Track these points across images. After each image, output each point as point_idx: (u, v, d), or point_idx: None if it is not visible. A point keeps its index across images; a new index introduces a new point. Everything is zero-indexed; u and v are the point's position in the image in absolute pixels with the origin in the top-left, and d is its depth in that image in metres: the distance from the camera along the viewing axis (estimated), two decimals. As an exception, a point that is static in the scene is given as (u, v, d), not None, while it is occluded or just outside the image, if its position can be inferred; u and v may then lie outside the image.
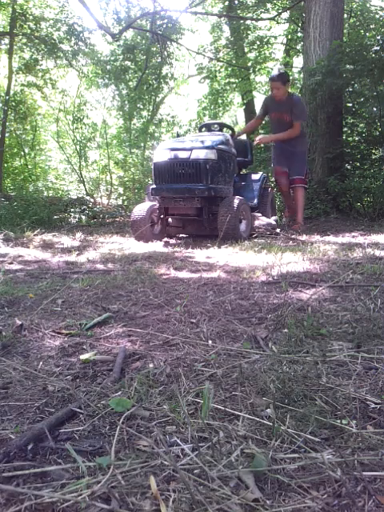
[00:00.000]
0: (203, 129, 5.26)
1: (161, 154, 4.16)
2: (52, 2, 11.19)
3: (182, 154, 4.06)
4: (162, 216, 4.40)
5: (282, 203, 7.51)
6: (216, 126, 5.17)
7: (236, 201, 4.01)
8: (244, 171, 5.54)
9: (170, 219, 4.61)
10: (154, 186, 4.23)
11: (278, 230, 4.69)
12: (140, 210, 4.24)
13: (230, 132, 5.00)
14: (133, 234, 4.29)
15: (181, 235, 4.78)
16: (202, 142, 4.19)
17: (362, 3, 9.63)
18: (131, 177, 10.35)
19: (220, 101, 13.17)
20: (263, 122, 6.24)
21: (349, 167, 6.88)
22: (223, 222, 3.83)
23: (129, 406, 0.81)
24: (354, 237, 4.20)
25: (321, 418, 0.76)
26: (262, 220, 4.65)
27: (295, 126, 4.83)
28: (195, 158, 3.98)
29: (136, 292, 1.88)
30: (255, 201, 4.87)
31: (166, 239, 4.54)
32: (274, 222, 4.79)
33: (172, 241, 4.48)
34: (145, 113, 12.72)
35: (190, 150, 4.04)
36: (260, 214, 4.77)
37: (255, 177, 5.17)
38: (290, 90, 4.94)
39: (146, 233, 4.17)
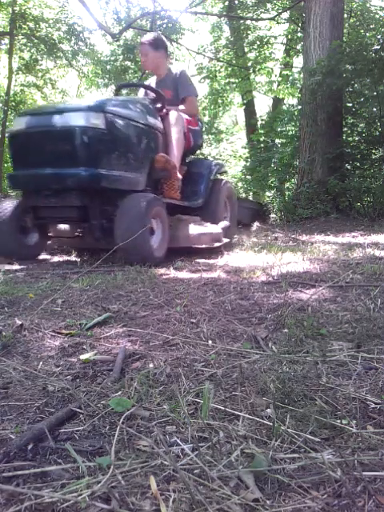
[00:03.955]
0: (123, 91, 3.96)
1: (19, 122, 2.74)
2: (52, 2, 11.20)
3: (47, 121, 2.59)
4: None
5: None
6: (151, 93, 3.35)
7: (144, 198, 2.66)
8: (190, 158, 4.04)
9: (61, 226, 3.11)
10: (11, 173, 2.94)
11: (220, 243, 3.21)
12: None
13: (159, 100, 3.28)
14: None
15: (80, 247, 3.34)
16: (83, 101, 2.93)
17: (362, 3, 9.63)
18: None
19: (220, 101, 13.17)
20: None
21: (349, 167, 6.88)
22: (120, 234, 2.50)
23: (129, 405, 0.81)
24: (354, 237, 4.20)
25: (321, 418, 0.76)
26: (198, 228, 3.12)
27: (189, 101, 3.58)
28: (66, 124, 2.54)
29: (136, 292, 1.88)
30: (200, 200, 3.45)
31: (46, 255, 3.25)
32: (218, 231, 3.24)
33: (57, 257, 3.18)
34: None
35: (60, 112, 2.60)
36: (199, 219, 3.33)
37: (202, 165, 3.73)
38: (169, 65, 3.74)
39: (10, 245, 2.79)
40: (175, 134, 3.25)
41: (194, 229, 3.11)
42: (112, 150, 2.70)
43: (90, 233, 2.86)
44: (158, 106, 3.25)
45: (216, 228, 3.28)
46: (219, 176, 4.10)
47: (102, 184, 2.61)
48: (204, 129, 13.37)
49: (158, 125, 3.16)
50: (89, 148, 2.56)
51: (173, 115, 3.27)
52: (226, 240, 3.40)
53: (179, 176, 3.22)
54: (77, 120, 2.55)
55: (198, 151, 4.46)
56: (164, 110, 3.30)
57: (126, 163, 2.79)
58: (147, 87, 3.53)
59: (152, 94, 3.37)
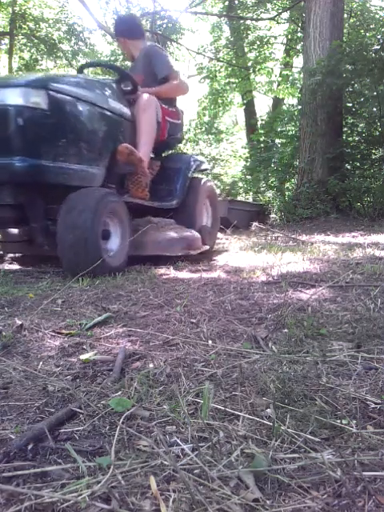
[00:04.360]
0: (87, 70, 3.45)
1: None
2: (52, 2, 11.20)
3: None
4: None
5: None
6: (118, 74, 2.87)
7: (94, 193, 2.25)
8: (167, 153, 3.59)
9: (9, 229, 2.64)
10: None
11: (196, 250, 2.82)
12: None
13: (129, 83, 2.83)
14: None
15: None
16: (23, 77, 2.51)
17: (362, 3, 9.64)
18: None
19: (220, 101, 13.19)
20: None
21: (349, 167, 6.89)
22: (64, 238, 2.13)
23: (129, 405, 0.81)
24: (354, 237, 4.20)
25: (321, 418, 0.76)
26: (170, 233, 2.69)
27: (172, 79, 3.08)
28: None
29: (136, 292, 1.88)
30: (175, 201, 3.03)
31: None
32: (194, 236, 2.84)
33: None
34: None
35: None
36: (172, 222, 2.91)
37: (179, 160, 3.26)
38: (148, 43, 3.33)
39: None
40: (144, 122, 2.79)
41: (166, 234, 2.63)
42: (58, 136, 2.23)
43: (31, 238, 2.38)
44: (128, 88, 2.81)
45: (192, 233, 2.84)
46: (200, 174, 3.74)
47: (45, 178, 2.17)
48: (204, 128, 13.41)
49: (124, 111, 2.72)
50: (26, 133, 2.11)
51: (143, 99, 2.81)
52: (205, 247, 2.97)
53: (147, 171, 2.77)
54: (11, 98, 2.09)
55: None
56: (137, 94, 2.83)
57: (77, 154, 2.32)
58: (111, 66, 3.25)
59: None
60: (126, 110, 2.75)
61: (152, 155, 3.22)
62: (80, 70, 3.28)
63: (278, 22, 10.86)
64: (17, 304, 1.68)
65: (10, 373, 1.00)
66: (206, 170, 3.85)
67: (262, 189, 8.33)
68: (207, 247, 3.07)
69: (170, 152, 3.73)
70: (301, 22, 9.02)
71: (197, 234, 2.89)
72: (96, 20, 8.93)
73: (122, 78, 2.82)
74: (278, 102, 13.12)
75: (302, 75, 8.45)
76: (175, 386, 0.90)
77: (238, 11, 10.80)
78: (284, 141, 8.27)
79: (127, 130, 2.75)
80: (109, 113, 2.57)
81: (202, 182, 3.35)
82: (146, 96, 2.84)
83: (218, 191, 4.58)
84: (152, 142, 2.87)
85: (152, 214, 2.89)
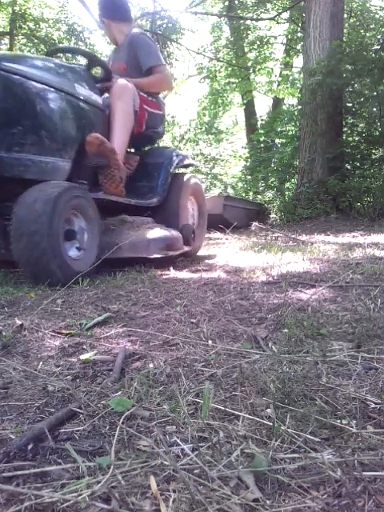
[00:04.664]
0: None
1: None
2: (52, 2, 11.20)
3: None
4: None
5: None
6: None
7: (52, 187, 1.98)
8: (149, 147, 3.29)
9: None
10: None
11: (177, 251, 2.61)
12: None
13: (103, 71, 2.67)
14: None
15: None
16: None
17: (362, 3, 9.64)
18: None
19: (220, 101, 13.19)
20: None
21: (349, 167, 6.89)
22: (17, 241, 1.88)
23: (129, 405, 0.81)
24: (354, 237, 4.20)
25: (321, 418, 0.76)
26: (148, 232, 2.46)
27: (158, 72, 2.87)
28: None
29: (136, 292, 1.88)
30: (155, 198, 2.81)
31: None
32: (174, 236, 2.61)
33: None
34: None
35: None
36: (151, 221, 2.70)
37: (160, 155, 3.03)
38: (137, 30, 3.03)
39: None
40: (118, 110, 2.57)
41: (142, 234, 2.40)
42: (12, 123, 2.00)
43: None
44: (101, 75, 2.61)
45: (172, 233, 2.59)
46: (184, 170, 3.50)
47: None
48: (204, 128, 13.41)
49: (94, 98, 2.49)
50: None
51: (118, 85, 2.60)
52: (186, 248, 2.75)
53: (122, 165, 2.53)
54: None
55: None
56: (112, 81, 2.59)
57: (36, 143, 2.08)
58: (81, 52, 2.96)
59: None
60: (97, 98, 2.53)
61: (132, 150, 3.05)
62: (50, 54, 2.89)
63: (277, 22, 10.86)
64: (17, 304, 1.68)
65: (10, 373, 1.00)
66: (190, 165, 3.54)
67: (261, 189, 8.33)
68: (189, 248, 2.84)
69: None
70: (301, 21, 9.02)
71: (177, 234, 2.66)
72: (96, 20, 8.93)
73: (93, 63, 2.58)
74: (277, 102, 13.13)
75: (302, 75, 8.45)
76: (175, 386, 0.90)
77: (238, 11, 10.80)
78: (284, 141, 8.27)
79: (99, 120, 2.53)
80: (75, 99, 2.34)
81: (186, 178, 3.11)
82: (121, 81, 2.62)
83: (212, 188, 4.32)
84: (128, 133, 2.65)
85: (131, 213, 2.67)
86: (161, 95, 3.13)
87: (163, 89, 3.05)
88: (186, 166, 3.45)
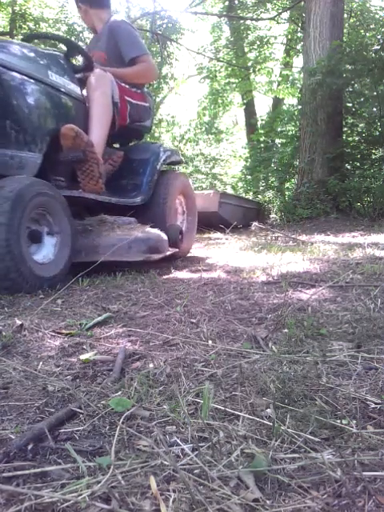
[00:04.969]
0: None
1: None
2: (52, 3, 11.20)
3: None
4: None
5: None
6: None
7: (12, 183, 1.80)
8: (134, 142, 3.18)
9: None
10: None
11: (161, 254, 2.39)
12: None
13: (84, 60, 2.49)
14: None
15: None
16: None
17: (361, 3, 9.64)
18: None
19: (220, 101, 13.19)
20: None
21: (349, 167, 6.89)
22: None
23: (129, 405, 0.81)
24: (354, 237, 4.20)
25: (321, 418, 0.76)
26: (128, 233, 2.28)
27: (142, 61, 2.71)
28: None
29: (136, 292, 1.88)
30: (139, 197, 2.64)
31: None
32: (158, 237, 2.40)
33: None
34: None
35: None
36: (133, 221, 2.50)
37: (146, 150, 2.85)
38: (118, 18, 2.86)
39: None
40: (96, 101, 2.42)
41: (122, 235, 2.21)
42: None
43: None
44: (80, 64, 2.45)
45: (156, 234, 2.39)
46: (173, 167, 3.32)
47: None
48: (204, 128, 13.41)
49: (70, 88, 2.32)
50: None
51: (94, 74, 2.45)
52: (172, 250, 2.54)
53: (100, 159, 2.36)
54: None
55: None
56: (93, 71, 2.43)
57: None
58: (59, 38, 2.81)
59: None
60: (74, 87, 2.35)
61: (117, 145, 2.88)
62: (24, 41, 2.62)
63: (277, 22, 10.86)
64: (17, 304, 1.68)
65: (10, 373, 1.00)
66: (178, 162, 3.29)
67: (261, 189, 8.33)
68: (176, 250, 2.64)
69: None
70: (301, 21, 9.02)
71: (162, 235, 2.45)
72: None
73: (72, 51, 2.40)
74: (278, 102, 13.12)
75: (302, 75, 8.45)
76: (175, 386, 0.90)
77: (238, 11, 10.80)
78: (284, 141, 8.27)
79: (76, 112, 2.35)
80: (48, 88, 2.15)
81: (174, 175, 2.95)
82: (97, 72, 2.47)
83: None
84: (106, 126, 2.48)
85: (114, 212, 2.49)
86: (149, 88, 3.05)
87: (149, 79, 2.91)
88: (175, 163, 3.28)
